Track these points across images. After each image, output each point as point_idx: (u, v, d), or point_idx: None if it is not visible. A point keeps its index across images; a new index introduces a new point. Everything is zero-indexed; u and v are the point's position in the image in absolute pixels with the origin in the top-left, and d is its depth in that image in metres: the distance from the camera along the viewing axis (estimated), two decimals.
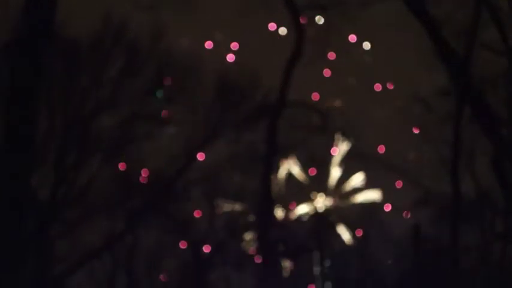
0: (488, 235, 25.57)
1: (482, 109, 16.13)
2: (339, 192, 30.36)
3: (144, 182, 25.67)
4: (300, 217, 29.96)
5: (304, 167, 30.16)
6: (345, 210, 30.57)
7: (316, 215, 29.98)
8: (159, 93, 24.96)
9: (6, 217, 10.56)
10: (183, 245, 27.43)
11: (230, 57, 29.39)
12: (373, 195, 29.93)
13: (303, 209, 30.12)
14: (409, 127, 25.81)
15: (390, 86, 29.90)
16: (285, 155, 28.50)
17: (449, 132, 21.85)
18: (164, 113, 25.51)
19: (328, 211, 30.20)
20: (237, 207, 27.95)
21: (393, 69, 28.59)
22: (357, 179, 30.18)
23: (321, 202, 30.14)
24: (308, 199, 30.39)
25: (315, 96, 28.91)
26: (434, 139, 23.93)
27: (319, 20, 23.65)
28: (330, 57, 28.14)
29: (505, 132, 18.20)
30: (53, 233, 23.33)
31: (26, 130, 10.96)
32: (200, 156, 26.11)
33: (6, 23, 19.53)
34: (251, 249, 27.39)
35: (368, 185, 30.22)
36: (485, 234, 25.70)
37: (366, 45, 29.15)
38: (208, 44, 28.63)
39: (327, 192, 30.32)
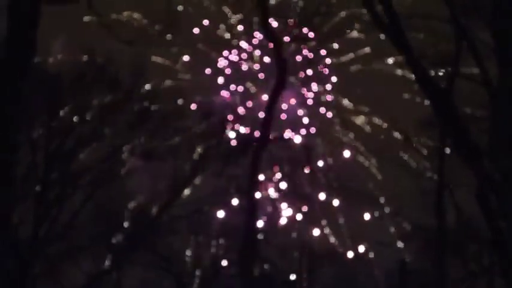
0: (475, 267, 25.45)
1: (464, 140, 16.13)
2: None
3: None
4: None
5: None
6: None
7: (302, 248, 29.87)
8: None
9: None
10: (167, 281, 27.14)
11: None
12: None
13: None
14: (391, 158, 25.86)
15: (372, 117, 30.07)
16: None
17: (433, 164, 21.86)
18: None
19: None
20: (221, 242, 27.74)
21: (375, 99, 28.80)
22: None
23: None
24: None
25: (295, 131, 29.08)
26: (418, 171, 23.94)
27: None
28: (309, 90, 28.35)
29: (487, 164, 18.17)
30: (34, 271, 22.91)
31: (6, 166, 10.81)
32: None
33: None
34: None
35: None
36: (471, 267, 25.59)
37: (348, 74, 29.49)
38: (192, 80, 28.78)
39: None
